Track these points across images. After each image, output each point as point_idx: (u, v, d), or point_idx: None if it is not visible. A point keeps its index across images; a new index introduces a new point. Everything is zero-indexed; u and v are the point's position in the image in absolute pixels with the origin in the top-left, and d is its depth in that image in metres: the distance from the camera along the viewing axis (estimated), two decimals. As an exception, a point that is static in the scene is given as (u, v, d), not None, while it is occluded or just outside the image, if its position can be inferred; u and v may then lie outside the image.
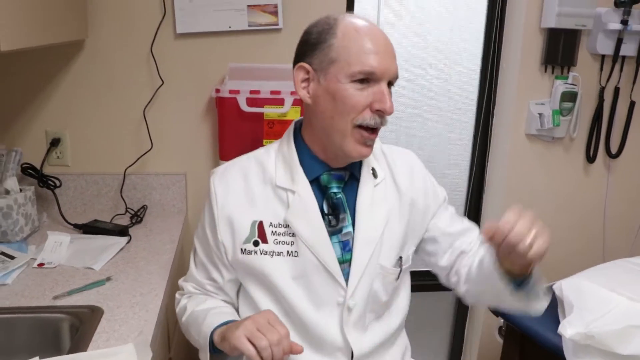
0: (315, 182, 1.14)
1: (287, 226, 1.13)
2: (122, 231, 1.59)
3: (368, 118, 1.06)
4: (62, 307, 1.21)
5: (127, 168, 1.75)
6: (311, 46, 1.09)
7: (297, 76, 1.11)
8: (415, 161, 1.28)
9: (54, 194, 1.67)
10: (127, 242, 1.55)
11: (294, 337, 1.15)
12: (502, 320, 1.69)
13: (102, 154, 1.77)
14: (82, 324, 1.16)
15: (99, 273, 1.37)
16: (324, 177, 1.14)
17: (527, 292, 1.05)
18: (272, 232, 1.14)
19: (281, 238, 1.14)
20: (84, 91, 1.72)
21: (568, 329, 1.38)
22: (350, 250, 1.13)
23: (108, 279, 1.34)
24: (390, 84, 1.09)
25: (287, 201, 1.13)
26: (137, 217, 1.71)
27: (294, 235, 1.12)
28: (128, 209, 1.76)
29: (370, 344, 1.18)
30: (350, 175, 1.16)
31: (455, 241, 1.24)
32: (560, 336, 1.44)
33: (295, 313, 1.14)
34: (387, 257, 1.17)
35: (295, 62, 1.12)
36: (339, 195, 1.13)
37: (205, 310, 1.16)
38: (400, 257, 1.19)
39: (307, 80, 1.10)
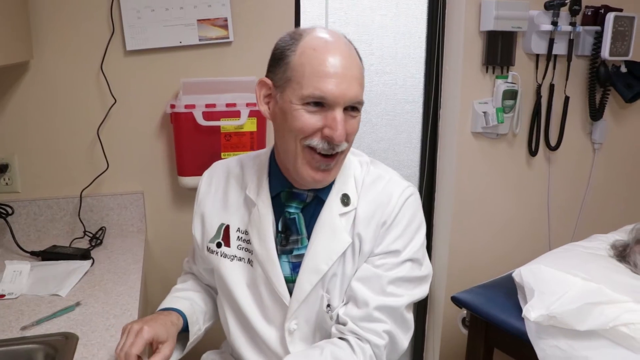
0: (278, 198, 1.14)
1: (249, 235, 1.15)
2: (84, 255, 1.55)
3: (316, 142, 1.01)
4: (33, 337, 1.16)
5: (83, 190, 1.70)
6: (275, 61, 1.06)
7: (259, 91, 1.08)
8: (395, 198, 1.10)
9: (7, 222, 1.61)
10: (91, 266, 1.51)
11: (243, 340, 1.18)
12: (466, 311, 1.75)
13: (55, 178, 1.72)
14: (58, 352, 1.12)
15: (66, 299, 1.33)
16: (284, 195, 1.13)
17: None
18: (238, 237, 1.17)
19: (244, 245, 1.16)
20: (32, 114, 1.66)
21: (531, 312, 1.45)
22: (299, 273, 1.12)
23: (77, 304, 1.30)
24: (353, 108, 1.03)
25: (251, 212, 1.15)
26: (97, 239, 1.67)
27: (252, 245, 1.14)
28: (86, 232, 1.72)
29: None
30: (315, 196, 1.12)
31: (349, 299, 1.10)
32: (523, 321, 1.51)
33: (246, 319, 1.16)
34: (334, 290, 1.10)
35: (266, 75, 1.09)
36: (293, 216, 1.11)
37: (171, 292, 1.29)
38: (329, 304, 1.10)
39: (269, 96, 1.07)
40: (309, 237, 1.11)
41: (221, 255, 1.18)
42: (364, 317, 1.07)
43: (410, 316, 1.14)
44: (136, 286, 1.40)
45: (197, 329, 1.22)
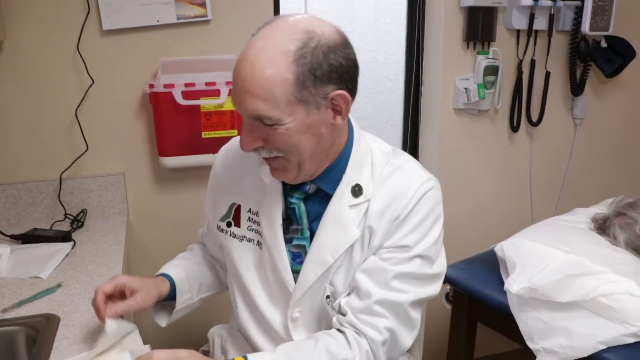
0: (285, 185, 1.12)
1: (260, 217, 1.14)
2: (64, 237, 1.53)
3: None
4: (13, 319, 1.15)
5: (62, 172, 1.68)
6: None
7: None
8: (412, 191, 1.04)
9: (-15, 206, 1.59)
10: (72, 248, 1.50)
11: (251, 322, 1.18)
12: (449, 287, 1.77)
13: (34, 160, 1.69)
14: (39, 333, 1.11)
15: (47, 281, 1.32)
16: (287, 184, 1.10)
17: None
18: (249, 218, 1.15)
19: (255, 226, 1.14)
20: (7, 97, 1.64)
21: (513, 285, 1.47)
22: (301, 264, 1.10)
23: (59, 285, 1.29)
24: (261, 118, 0.95)
25: (263, 195, 1.13)
26: (78, 221, 1.66)
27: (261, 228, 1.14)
28: (67, 215, 1.70)
29: None
30: (319, 189, 1.08)
31: (351, 290, 1.07)
32: (505, 294, 1.53)
33: (252, 300, 1.16)
34: (338, 282, 1.08)
35: None
36: (293, 206, 1.09)
37: (174, 259, 1.30)
38: (329, 296, 1.08)
39: None
40: (312, 228, 1.09)
41: (231, 235, 1.17)
42: (365, 309, 1.03)
43: (416, 314, 1.08)
44: (118, 267, 1.39)
45: (187, 298, 1.22)
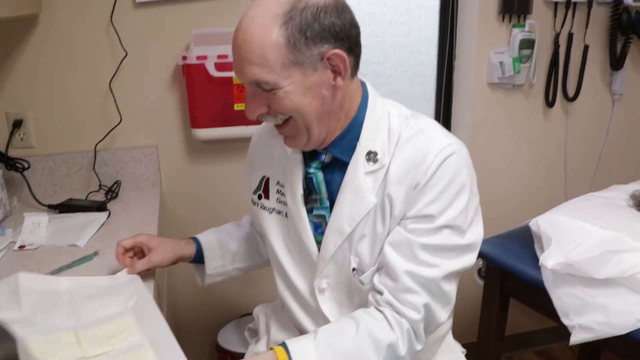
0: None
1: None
2: (100, 207, 1.56)
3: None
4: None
5: (97, 144, 1.70)
6: None
7: None
8: (431, 157, 0.99)
9: (24, 176, 1.62)
10: (107, 217, 1.52)
11: (286, 291, 1.20)
12: (482, 262, 1.75)
13: (69, 132, 1.72)
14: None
15: (84, 249, 1.34)
16: (307, 154, 1.11)
17: None
18: (277, 190, 1.17)
19: (282, 198, 1.16)
20: (44, 68, 1.66)
21: (549, 261, 1.44)
22: (322, 234, 1.09)
23: (95, 253, 1.31)
24: (260, 84, 0.96)
25: (287, 165, 1.15)
26: (112, 192, 1.68)
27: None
28: (102, 186, 1.72)
29: None
30: (335, 158, 1.07)
31: (381, 267, 1.04)
32: (539, 270, 1.51)
33: (284, 271, 1.17)
34: (363, 253, 1.06)
35: None
36: (311, 175, 1.09)
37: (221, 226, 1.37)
38: (354, 268, 1.06)
39: None
40: (331, 197, 1.08)
41: (261, 207, 1.19)
42: (398, 287, 1.00)
43: (450, 288, 1.04)
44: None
45: (219, 265, 1.28)
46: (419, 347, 1.03)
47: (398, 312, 1.00)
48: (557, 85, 2.13)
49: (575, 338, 1.42)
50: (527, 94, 2.12)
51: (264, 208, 1.19)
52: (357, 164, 1.04)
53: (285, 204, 1.15)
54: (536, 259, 1.53)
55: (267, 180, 1.19)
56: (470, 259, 1.05)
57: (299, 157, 1.11)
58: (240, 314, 1.95)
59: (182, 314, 1.97)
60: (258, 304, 1.39)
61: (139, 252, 1.20)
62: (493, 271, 1.72)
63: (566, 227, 1.51)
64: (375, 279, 1.04)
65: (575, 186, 2.27)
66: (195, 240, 1.28)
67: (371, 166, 1.03)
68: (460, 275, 1.08)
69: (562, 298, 1.46)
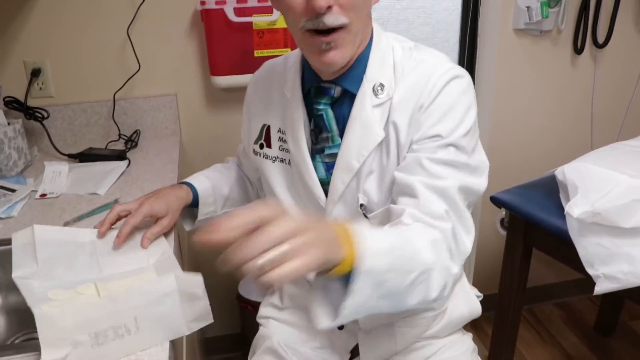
0: (310, 94, 1.08)
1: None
2: (119, 156, 1.55)
3: (304, 21, 0.92)
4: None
5: (115, 92, 1.69)
6: None
7: None
8: (434, 79, 0.97)
9: (43, 125, 1.61)
10: (127, 166, 1.52)
11: None
12: (504, 212, 1.73)
13: (87, 81, 1.70)
14: (100, 243, 1.14)
15: (104, 197, 1.35)
16: (313, 91, 1.06)
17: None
18: (279, 137, 1.13)
19: (284, 145, 1.13)
20: (60, 16, 1.63)
21: (575, 209, 1.42)
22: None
23: (116, 201, 1.32)
24: None
25: (286, 110, 1.11)
26: (132, 141, 1.67)
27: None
28: (121, 135, 1.72)
29: None
30: (345, 91, 1.03)
31: (398, 195, 0.97)
32: (564, 220, 1.48)
33: None
34: (371, 191, 1.03)
35: None
36: (320, 112, 1.05)
37: (209, 168, 1.35)
38: (362, 204, 1.03)
39: None
40: (341, 135, 1.05)
41: (264, 157, 1.16)
42: (419, 201, 0.92)
43: (468, 215, 0.98)
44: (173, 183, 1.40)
45: (211, 210, 1.26)
46: (455, 268, 0.92)
47: (427, 225, 0.92)
48: (587, 31, 2.05)
49: (600, 288, 1.40)
50: (555, 40, 2.05)
51: (267, 157, 1.15)
52: (365, 97, 1.01)
53: (287, 151, 1.12)
54: (561, 209, 1.51)
55: (268, 128, 1.15)
56: (479, 183, 1.00)
57: (299, 100, 1.08)
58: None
59: (203, 263, 1.98)
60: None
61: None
62: (516, 221, 1.69)
63: (593, 175, 1.47)
64: (392, 206, 0.97)
65: (602, 135, 2.22)
66: (190, 186, 1.24)
67: (378, 99, 1.00)
68: (482, 225, 1.05)
69: (588, 247, 1.44)
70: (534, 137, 2.16)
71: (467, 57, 2.11)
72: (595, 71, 2.14)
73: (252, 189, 1.37)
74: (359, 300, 0.75)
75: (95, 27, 1.66)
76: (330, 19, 0.90)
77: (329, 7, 0.89)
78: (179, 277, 0.87)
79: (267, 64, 1.23)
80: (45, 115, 1.63)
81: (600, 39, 2.07)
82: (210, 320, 0.90)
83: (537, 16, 1.91)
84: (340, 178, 1.04)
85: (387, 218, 1.00)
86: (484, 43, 2.06)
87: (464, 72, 1.00)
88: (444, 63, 1.00)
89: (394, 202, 0.98)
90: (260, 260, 0.60)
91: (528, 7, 1.91)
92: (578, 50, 2.07)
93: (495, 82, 2.04)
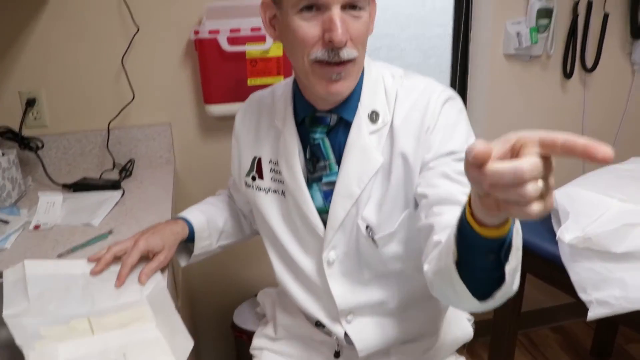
0: (304, 125, 1.10)
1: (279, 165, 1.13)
2: (114, 185, 1.56)
3: (319, 52, 0.94)
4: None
5: (110, 122, 1.70)
6: None
7: (263, 14, 1.04)
8: (434, 102, 1.01)
9: (38, 155, 1.62)
10: (122, 196, 1.52)
11: (287, 274, 1.18)
12: (498, 237, 1.74)
13: (82, 111, 1.71)
14: (94, 275, 1.14)
15: (98, 228, 1.35)
16: (308, 120, 1.08)
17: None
18: (271, 169, 1.15)
19: (277, 176, 1.14)
20: (55, 46, 1.65)
21: (566, 234, 1.43)
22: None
23: (110, 232, 1.32)
24: (352, 6, 0.94)
25: (279, 141, 1.13)
26: (126, 171, 1.68)
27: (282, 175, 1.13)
28: (116, 164, 1.72)
29: (368, 299, 1.12)
30: (340, 119, 1.06)
31: (433, 206, 0.95)
32: (556, 245, 1.49)
33: (286, 252, 1.16)
34: (370, 216, 1.05)
35: None
36: (318, 141, 1.07)
37: (201, 202, 1.36)
38: (368, 226, 1.05)
39: (274, 17, 1.02)
40: (338, 163, 1.07)
41: (256, 189, 1.17)
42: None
43: None
44: (167, 214, 1.40)
45: (206, 244, 1.27)
46: None
47: None
48: (576, 56, 2.08)
49: (593, 313, 1.41)
50: (545, 65, 2.08)
51: (260, 189, 1.16)
52: (361, 124, 1.03)
53: (280, 182, 1.13)
54: (553, 234, 1.52)
55: (259, 160, 1.17)
56: None
57: (293, 130, 1.09)
58: (255, 293, 1.96)
59: (198, 293, 1.98)
60: (272, 282, 1.39)
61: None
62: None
63: (584, 200, 1.49)
64: (439, 219, 0.93)
65: (593, 159, 2.23)
66: (186, 221, 1.24)
67: (374, 126, 1.03)
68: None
69: (580, 273, 1.45)
70: (526, 160, 2.17)
71: (459, 83, 2.13)
72: (584, 95, 2.16)
73: (245, 221, 1.37)
74: (513, 266, 0.72)
75: (90, 57, 1.67)
76: (345, 53, 0.94)
77: (346, 42, 0.93)
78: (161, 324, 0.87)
79: (253, 96, 1.25)
80: (40, 145, 1.64)
81: (589, 63, 2.10)
82: (191, 342, 0.89)
83: (527, 42, 1.94)
84: (340, 205, 1.05)
85: (398, 240, 1.04)
86: (475, 68, 2.09)
87: (455, 93, 1.06)
88: (435, 86, 1.05)
89: (431, 214, 0.95)
90: (540, 184, 0.55)
91: (518, 33, 1.94)
92: (567, 74, 2.09)
93: (487, 106, 2.06)
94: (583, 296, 1.44)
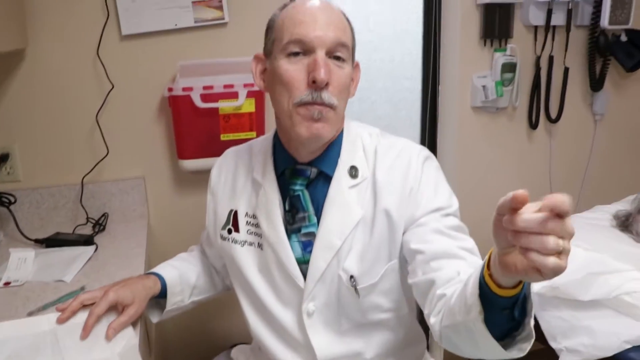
0: (283, 177, 1.13)
1: (257, 218, 1.15)
2: (87, 240, 1.55)
3: (305, 94, 1.00)
4: (39, 321, 1.18)
5: (84, 177, 1.71)
6: (266, 32, 1.10)
7: (255, 67, 1.11)
8: (414, 162, 1.08)
9: (10, 210, 1.61)
10: (95, 251, 1.52)
11: (263, 328, 1.18)
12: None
13: (56, 165, 1.72)
14: (64, 334, 1.13)
15: (70, 284, 1.34)
16: (287, 173, 1.12)
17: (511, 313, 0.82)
18: (247, 222, 1.17)
19: (253, 229, 1.16)
20: (30, 102, 1.66)
21: (534, 284, 1.46)
22: (311, 253, 1.10)
23: (82, 288, 1.31)
24: (336, 57, 1.01)
25: (258, 194, 1.15)
26: (100, 225, 1.68)
27: (260, 228, 1.14)
28: (89, 219, 1.72)
29: (346, 350, 1.13)
30: (320, 173, 1.11)
31: (430, 261, 0.99)
32: (526, 293, 1.52)
33: (263, 305, 1.16)
34: (352, 267, 1.08)
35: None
36: (297, 193, 1.10)
37: (173, 258, 1.38)
38: (352, 276, 1.07)
39: (264, 70, 1.10)
40: (317, 214, 1.10)
41: (232, 242, 1.18)
42: (466, 262, 0.98)
43: None
44: (140, 270, 1.40)
45: (178, 300, 1.26)
46: None
47: None
48: (540, 107, 2.16)
49: (563, 361, 1.43)
50: (511, 116, 2.15)
51: (236, 242, 1.18)
52: (341, 178, 1.08)
53: (257, 235, 1.15)
54: (523, 283, 1.55)
55: (235, 213, 1.19)
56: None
57: (273, 182, 1.13)
58: (231, 344, 1.94)
59: (172, 346, 1.96)
60: (246, 335, 1.38)
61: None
62: (481, 295, 1.72)
63: (551, 250, 1.52)
64: (440, 274, 0.98)
65: (562, 206, 2.29)
66: (158, 276, 1.24)
67: (354, 181, 1.08)
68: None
69: (550, 321, 1.48)
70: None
71: (429, 134, 2.19)
72: (550, 144, 2.23)
73: (217, 276, 1.38)
74: (530, 314, 0.81)
75: (64, 113, 1.69)
76: (327, 96, 1.00)
77: (327, 84, 0.99)
78: None
79: (229, 152, 1.28)
80: (13, 200, 1.64)
81: (553, 114, 2.18)
82: None
83: (493, 95, 2.02)
84: (321, 256, 1.07)
85: (379, 291, 1.08)
86: (444, 120, 2.15)
87: (429, 152, 1.14)
88: (413, 145, 1.13)
89: (430, 270, 0.99)
90: (561, 242, 0.61)
91: (484, 87, 2.02)
92: (533, 125, 2.17)
93: (456, 156, 2.12)
94: (553, 344, 1.46)
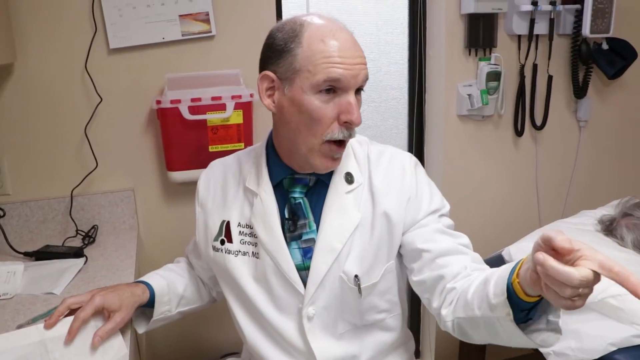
0: (279, 186, 1.16)
1: (252, 227, 1.16)
2: (77, 253, 1.56)
3: (337, 132, 1.03)
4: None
5: (73, 189, 1.71)
6: (276, 53, 1.05)
7: (261, 85, 1.08)
8: (408, 168, 1.16)
9: (-1, 224, 1.62)
10: (84, 263, 1.52)
11: (260, 336, 1.19)
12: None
13: (45, 178, 1.72)
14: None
15: (60, 297, 1.34)
16: (286, 182, 1.15)
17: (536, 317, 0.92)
18: (240, 232, 1.18)
19: (247, 239, 1.17)
20: (19, 116, 1.67)
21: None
22: (311, 258, 1.12)
23: (72, 301, 1.31)
24: (359, 89, 1.07)
25: (253, 203, 1.16)
26: (89, 237, 1.68)
27: (257, 237, 1.15)
28: (79, 231, 1.72)
29: (343, 353, 1.16)
30: (318, 180, 1.14)
31: (436, 258, 1.08)
32: (513, 298, 1.54)
33: (259, 313, 1.17)
34: (352, 270, 1.12)
35: (261, 66, 1.10)
36: (298, 200, 1.13)
37: (161, 268, 1.39)
38: (356, 275, 1.11)
39: (272, 88, 1.08)
40: (315, 220, 1.13)
41: (225, 252, 1.19)
42: (467, 257, 1.10)
43: None
44: (129, 281, 1.41)
45: (165, 310, 1.27)
46: None
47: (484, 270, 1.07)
48: (525, 115, 2.19)
49: (551, 365, 1.44)
50: (497, 124, 2.18)
51: (229, 252, 1.19)
52: (337, 184, 1.13)
53: (251, 244, 1.16)
54: (510, 288, 1.56)
55: (228, 223, 1.20)
56: None
57: (270, 191, 1.14)
58: (221, 355, 1.95)
59: (162, 357, 1.96)
60: (239, 342, 1.38)
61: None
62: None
63: (537, 255, 1.54)
64: (446, 269, 1.07)
65: (549, 212, 2.32)
66: (147, 284, 1.25)
67: (350, 186, 1.13)
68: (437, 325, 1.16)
69: (537, 326, 1.49)
70: (484, 217, 2.24)
71: (416, 143, 2.21)
72: (536, 151, 2.26)
73: (204, 288, 1.39)
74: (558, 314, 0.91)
75: (53, 126, 1.70)
76: (354, 132, 1.07)
77: None
78: None
79: (215, 163, 1.29)
80: (2, 213, 1.64)
81: (538, 121, 2.21)
82: None
83: (478, 103, 2.04)
84: (322, 260, 1.10)
85: (377, 292, 1.14)
86: (430, 129, 2.17)
87: (415, 158, 1.22)
88: (400, 151, 1.21)
89: (437, 267, 1.08)
90: (580, 291, 0.72)
91: (469, 95, 2.04)
92: (519, 132, 2.20)
93: (443, 164, 2.14)
94: (541, 348, 1.47)
